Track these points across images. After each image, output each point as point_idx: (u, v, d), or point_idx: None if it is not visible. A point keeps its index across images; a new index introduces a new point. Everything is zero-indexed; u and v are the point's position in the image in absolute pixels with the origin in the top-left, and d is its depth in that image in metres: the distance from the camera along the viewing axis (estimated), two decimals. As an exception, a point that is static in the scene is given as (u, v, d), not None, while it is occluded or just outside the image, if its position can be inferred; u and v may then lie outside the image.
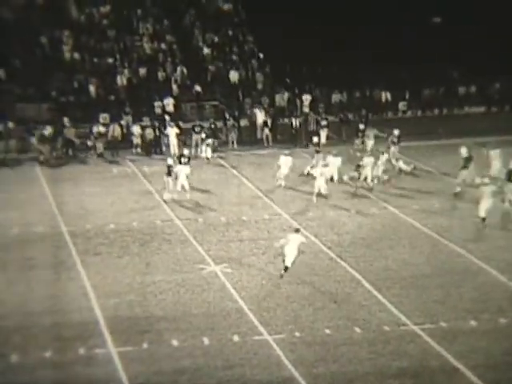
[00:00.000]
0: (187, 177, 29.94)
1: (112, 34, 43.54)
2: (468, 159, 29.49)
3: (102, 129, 36.55)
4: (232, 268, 23.71)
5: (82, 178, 33.02)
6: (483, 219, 26.13)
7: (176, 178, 29.80)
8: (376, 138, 35.31)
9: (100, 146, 35.82)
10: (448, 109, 44.19)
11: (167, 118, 37.63)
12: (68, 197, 30.36)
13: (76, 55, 42.05)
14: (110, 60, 42.27)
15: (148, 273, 23.46)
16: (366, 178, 30.45)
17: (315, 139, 35.11)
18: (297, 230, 23.26)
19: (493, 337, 19.29)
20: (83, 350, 19.03)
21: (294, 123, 38.32)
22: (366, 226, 26.89)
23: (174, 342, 19.42)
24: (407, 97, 43.91)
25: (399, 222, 27.38)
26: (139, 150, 36.58)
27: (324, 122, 38.14)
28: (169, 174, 29.84)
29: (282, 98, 42.17)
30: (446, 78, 44.05)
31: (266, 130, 38.12)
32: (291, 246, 22.55)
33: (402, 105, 43.79)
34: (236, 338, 19.60)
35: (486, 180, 28.31)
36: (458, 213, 28.05)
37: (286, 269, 22.66)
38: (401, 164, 32.57)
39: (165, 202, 29.32)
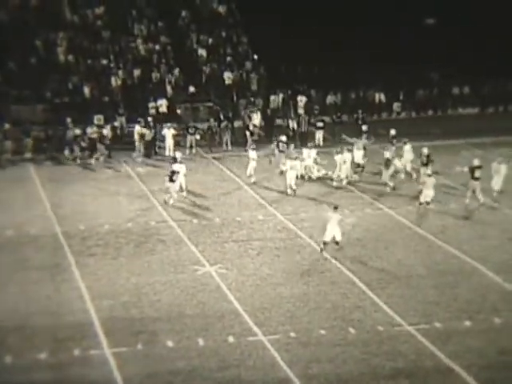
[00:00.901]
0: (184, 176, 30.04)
1: (106, 35, 43.49)
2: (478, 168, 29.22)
3: (96, 130, 36.49)
4: (227, 269, 23.72)
5: (76, 179, 32.97)
6: (426, 203, 27.78)
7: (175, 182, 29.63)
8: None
9: (101, 147, 35.72)
10: (442, 110, 44.25)
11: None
12: (62, 198, 30.33)
13: (70, 57, 42.00)
14: (105, 61, 42.22)
15: (143, 274, 23.45)
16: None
17: (282, 138, 34.90)
18: (335, 208, 24.55)
19: (487, 337, 19.34)
20: (78, 351, 19.03)
21: (290, 124, 38.30)
22: (361, 227, 26.92)
23: (169, 343, 19.42)
24: (401, 98, 43.96)
25: (394, 222, 27.42)
26: (142, 150, 36.42)
27: (320, 124, 38.15)
28: (171, 180, 29.35)
29: (276, 100, 42.18)
30: (439, 79, 44.08)
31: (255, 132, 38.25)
32: (332, 223, 24.14)
33: (396, 106, 43.85)
34: (231, 338, 19.62)
35: (429, 171, 28.99)
36: (452, 214, 28.07)
37: (325, 243, 24.26)
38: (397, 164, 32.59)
39: (165, 203, 29.23)
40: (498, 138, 37.47)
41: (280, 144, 33.67)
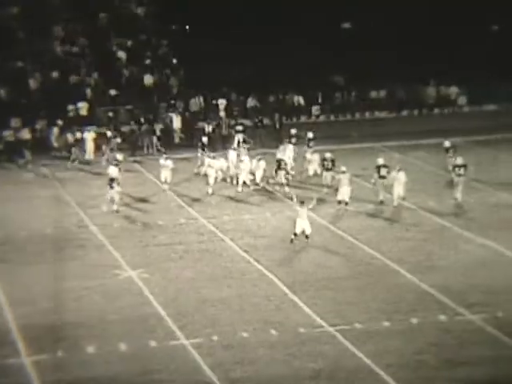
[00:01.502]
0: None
1: (22, 36, 42.65)
2: (384, 167, 29.88)
3: (12, 133, 35.88)
4: (149, 273, 23.60)
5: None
6: (339, 202, 28.75)
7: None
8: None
9: (24, 151, 35.11)
10: (360, 113, 45.00)
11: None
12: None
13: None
14: (21, 63, 41.41)
15: (63, 279, 23.12)
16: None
17: (204, 139, 34.98)
18: (301, 203, 25.71)
19: (405, 337, 19.76)
20: (-5, 359, 18.66)
21: (205, 128, 38.15)
22: (282, 229, 27.16)
23: (90, 349, 19.22)
24: (320, 101, 44.51)
25: (314, 224, 27.70)
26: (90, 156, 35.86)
27: (239, 127, 38.19)
28: (111, 186, 28.84)
29: (196, 103, 42.18)
30: (358, 83, 44.80)
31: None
32: (301, 217, 25.51)
33: (315, 109, 44.39)
34: (153, 343, 19.53)
35: (343, 168, 29.54)
36: (371, 216, 28.59)
37: (295, 235, 25.49)
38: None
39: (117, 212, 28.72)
40: (414, 141, 38.38)
41: (203, 146, 33.69)
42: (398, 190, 29.02)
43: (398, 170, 29.39)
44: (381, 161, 29.98)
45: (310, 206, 25.92)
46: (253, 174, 31.79)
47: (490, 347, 19.21)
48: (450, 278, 23.06)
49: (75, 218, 28.44)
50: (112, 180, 28.97)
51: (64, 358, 18.87)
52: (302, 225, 25.51)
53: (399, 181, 29.05)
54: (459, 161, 30.07)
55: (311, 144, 34.21)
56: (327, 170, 31.18)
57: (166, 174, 31.38)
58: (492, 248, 25.23)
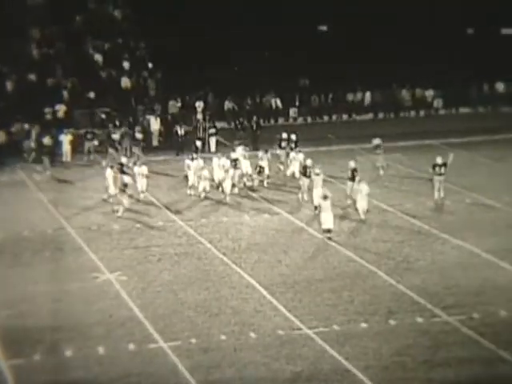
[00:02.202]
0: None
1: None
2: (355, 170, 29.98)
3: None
4: (127, 276, 23.57)
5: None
6: (315, 207, 28.48)
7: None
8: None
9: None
10: (337, 116, 45.20)
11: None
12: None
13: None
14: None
15: (40, 282, 23.05)
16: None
17: (198, 143, 35.21)
18: (325, 197, 26.22)
19: (383, 338, 19.89)
20: (-28, 363, 18.57)
21: (178, 131, 38.03)
22: (260, 232, 27.25)
23: (68, 353, 19.16)
24: (297, 103, 44.67)
25: (292, 227, 27.86)
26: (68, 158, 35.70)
27: (212, 130, 38.07)
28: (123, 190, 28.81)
29: (174, 105, 42.15)
30: (337, 85, 44.99)
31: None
32: (325, 211, 26.01)
33: (292, 111, 44.53)
34: (131, 346, 19.51)
35: (317, 170, 29.56)
36: (347, 218, 28.70)
37: (329, 231, 26.05)
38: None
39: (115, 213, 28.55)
40: (391, 143, 38.59)
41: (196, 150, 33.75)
42: (362, 203, 27.87)
43: (359, 181, 28.47)
44: (352, 164, 29.85)
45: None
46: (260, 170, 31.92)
47: (466, 348, 19.40)
48: (426, 279, 23.26)
49: (53, 220, 28.32)
50: (125, 185, 28.77)
51: (42, 361, 18.81)
52: (328, 218, 25.96)
53: (361, 193, 27.92)
54: (439, 160, 30.31)
55: (294, 145, 34.19)
56: (303, 175, 30.51)
57: (141, 183, 30.53)
58: (468, 250, 25.46)
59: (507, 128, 40.11)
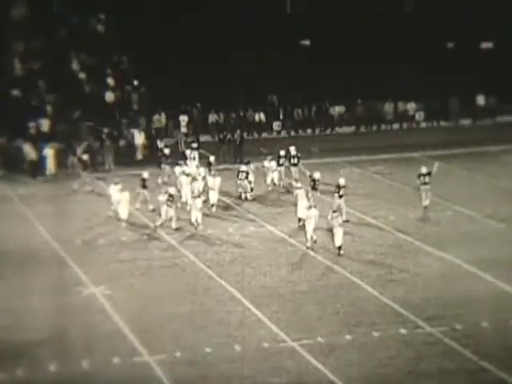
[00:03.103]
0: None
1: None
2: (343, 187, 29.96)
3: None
4: (111, 289, 23.58)
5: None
6: (299, 219, 28.48)
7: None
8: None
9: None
10: (320, 129, 45.47)
11: None
12: None
13: None
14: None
15: (24, 296, 23.02)
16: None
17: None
18: (334, 212, 26.35)
19: (367, 350, 20.01)
20: (-47, 379, 18.50)
21: (158, 145, 38.01)
22: (245, 244, 27.35)
23: (52, 368, 19.12)
24: (281, 117, 44.92)
25: (276, 239, 27.98)
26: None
27: (194, 145, 37.67)
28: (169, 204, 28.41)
29: (158, 119, 42.26)
30: (318, 99, 45.28)
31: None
32: (336, 227, 26.03)
33: (276, 125, 44.77)
34: (116, 360, 19.52)
35: (299, 184, 29.82)
36: (331, 230, 28.81)
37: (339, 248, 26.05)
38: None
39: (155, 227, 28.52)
40: (373, 156, 38.94)
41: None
42: (310, 230, 26.63)
43: (309, 208, 27.00)
44: (342, 181, 29.65)
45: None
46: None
47: (449, 359, 19.55)
48: (409, 291, 23.44)
49: (37, 234, 28.30)
50: (171, 196, 28.41)
51: (25, 376, 18.75)
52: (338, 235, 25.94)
53: (310, 220, 26.66)
54: (423, 170, 30.65)
55: (296, 160, 33.74)
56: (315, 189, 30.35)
57: (122, 208, 29.10)
58: (450, 261, 25.69)
59: (487, 140, 40.58)
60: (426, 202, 30.46)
